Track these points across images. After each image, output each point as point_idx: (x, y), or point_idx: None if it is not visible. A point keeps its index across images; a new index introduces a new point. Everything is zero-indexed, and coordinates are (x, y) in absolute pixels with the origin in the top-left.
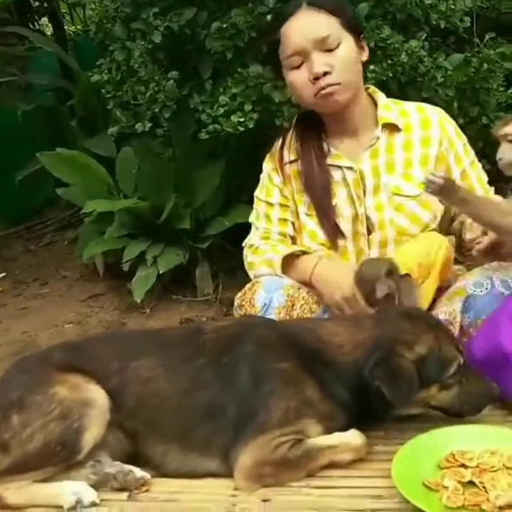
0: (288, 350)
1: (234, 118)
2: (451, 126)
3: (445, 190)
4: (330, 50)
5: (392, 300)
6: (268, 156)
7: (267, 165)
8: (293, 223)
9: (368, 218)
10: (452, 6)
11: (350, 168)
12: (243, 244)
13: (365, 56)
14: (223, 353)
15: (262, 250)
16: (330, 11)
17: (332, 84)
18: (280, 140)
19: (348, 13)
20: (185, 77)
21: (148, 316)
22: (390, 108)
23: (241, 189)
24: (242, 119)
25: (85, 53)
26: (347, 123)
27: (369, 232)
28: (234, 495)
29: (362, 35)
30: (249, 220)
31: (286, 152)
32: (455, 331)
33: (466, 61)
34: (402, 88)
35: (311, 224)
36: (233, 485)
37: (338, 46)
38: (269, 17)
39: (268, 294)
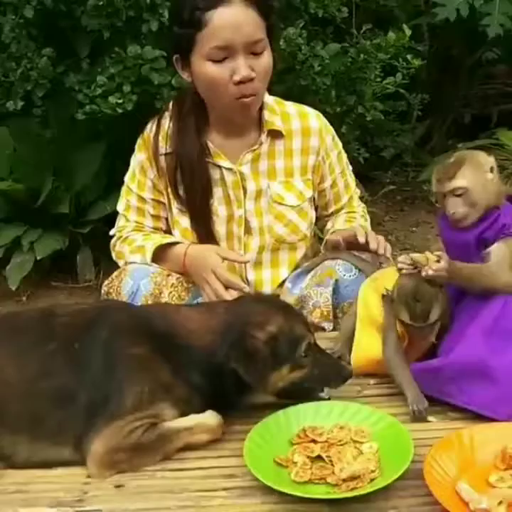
0: (142, 335)
1: (112, 99)
2: (329, 135)
3: (451, 272)
4: (255, 54)
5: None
6: (141, 141)
7: (140, 153)
8: (166, 218)
9: (246, 221)
10: None
11: (229, 169)
12: (111, 233)
13: None
14: (76, 338)
15: (132, 239)
16: (263, 13)
17: (253, 95)
18: (154, 125)
19: (273, 18)
20: (61, 54)
21: (24, 304)
22: (274, 111)
23: (123, 173)
24: (120, 101)
25: None
26: (237, 125)
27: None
28: (86, 482)
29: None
30: (118, 209)
31: (162, 142)
32: (325, 312)
33: (343, 51)
34: (280, 75)
35: (185, 221)
36: (86, 473)
37: (262, 52)
38: None
39: (135, 281)
